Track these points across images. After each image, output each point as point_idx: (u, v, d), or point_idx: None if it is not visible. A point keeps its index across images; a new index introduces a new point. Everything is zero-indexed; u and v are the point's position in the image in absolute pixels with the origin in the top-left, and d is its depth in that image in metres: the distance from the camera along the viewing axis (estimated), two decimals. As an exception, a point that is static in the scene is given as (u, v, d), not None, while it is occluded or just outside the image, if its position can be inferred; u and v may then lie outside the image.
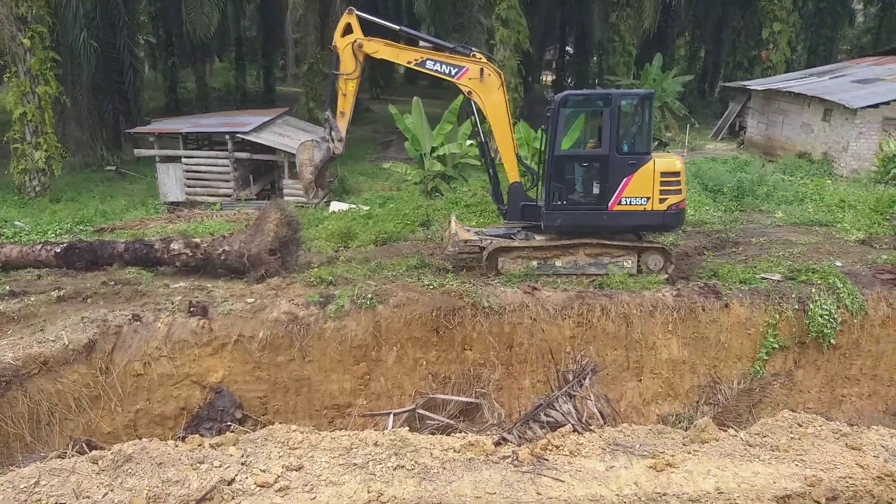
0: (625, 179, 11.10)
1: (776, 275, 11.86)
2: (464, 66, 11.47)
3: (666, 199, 11.15)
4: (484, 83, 11.52)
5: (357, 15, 11.51)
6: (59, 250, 12.35)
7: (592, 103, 12.19)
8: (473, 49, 11.85)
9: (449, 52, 11.71)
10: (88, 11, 23.55)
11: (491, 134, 12.22)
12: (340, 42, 11.46)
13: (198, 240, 12.27)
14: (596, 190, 11.34)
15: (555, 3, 39.32)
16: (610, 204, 11.22)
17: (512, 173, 11.94)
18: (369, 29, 11.79)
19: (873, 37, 44.87)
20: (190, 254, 12.03)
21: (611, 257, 11.77)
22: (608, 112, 11.06)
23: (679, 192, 11.28)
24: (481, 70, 11.44)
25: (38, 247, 12.58)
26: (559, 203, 11.39)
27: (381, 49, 11.61)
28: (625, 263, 11.78)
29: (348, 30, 11.50)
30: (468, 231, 12.64)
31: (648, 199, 11.14)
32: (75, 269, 12.21)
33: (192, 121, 22.43)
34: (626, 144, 11.29)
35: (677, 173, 11.23)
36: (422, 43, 12.00)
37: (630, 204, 11.18)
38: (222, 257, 11.84)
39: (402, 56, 11.78)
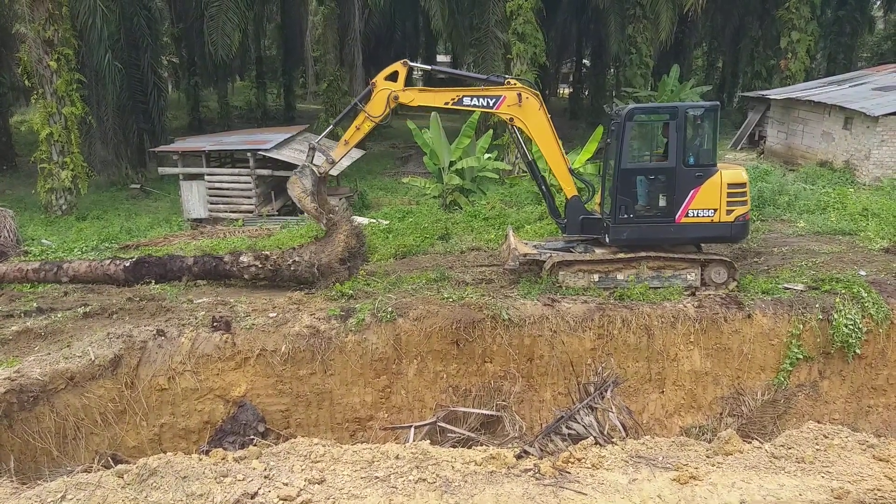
0: (692, 191, 11.15)
1: (799, 285, 11.74)
2: (500, 95, 11.47)
3: (733, 210, 11.21)
4: (523, 108, 11.51)
5: (409, 66, 11.57)
6: (128, 264, 12.46)
7: (658, 116, 12.00)
8: (506, 76, 11.87)
9: (483, 84, 11.72)
10: (113, 33, 24.05)
11: (540, 155, 12.21)
12: (381, 84, 11.54)
13: (267, 252, 12.42)
14: (663, 202, 11.38)
15: (571, 16, 39.39)
16: (677, 216, 11.26)
17: (568, 188, 11.99)
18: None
19: (894, 44, 44.27)
20: (259, 265, 12.15)
21: (674, 270, 11.66)
22: (674, 125, 11.09)
23: (745, 203, 11.31)
24: (519, 95, 11.45)
25: (108, 262, 12.70)
26: (626, 216, 11.41)
27: (416, 97, 11.76)
28: (688, 276, 11.68)
29: (393, 75, 11.56)
30: (527, 245, 12.65)
31: (715, 210, 11.19)
32: (144, 283, 12.33)
33: (214, 139, 22.72)
34: (692, 157, 11.29)
35: (743, 184, 11.27)
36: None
37: (697, 216, 11.23)
38: (292, 268, 11.99)
39: (439, 99, 11.81)
